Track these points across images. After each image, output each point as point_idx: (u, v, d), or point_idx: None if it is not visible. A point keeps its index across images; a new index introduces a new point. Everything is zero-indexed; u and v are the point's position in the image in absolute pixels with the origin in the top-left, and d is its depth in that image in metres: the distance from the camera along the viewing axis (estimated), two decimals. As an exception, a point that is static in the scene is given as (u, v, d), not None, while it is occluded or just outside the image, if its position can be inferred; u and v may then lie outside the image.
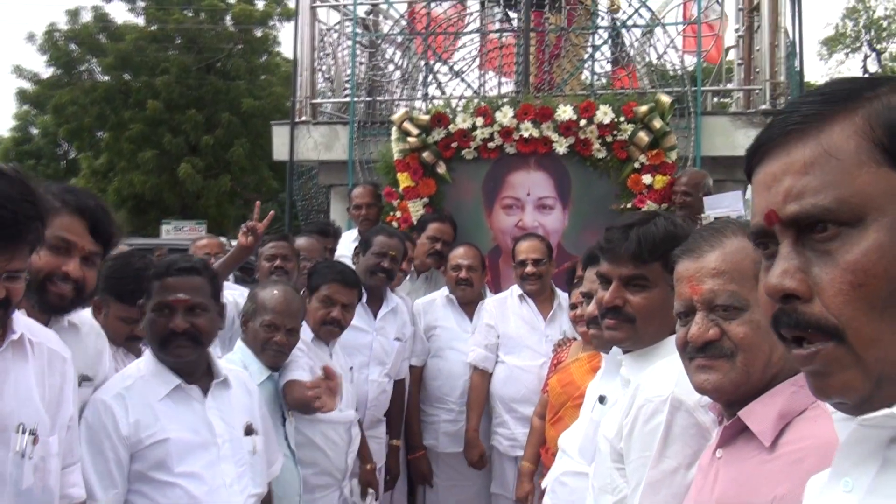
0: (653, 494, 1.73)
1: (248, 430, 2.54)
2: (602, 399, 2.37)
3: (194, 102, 19.46)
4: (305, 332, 3.36)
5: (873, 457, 0.88)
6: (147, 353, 2.50)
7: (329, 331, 3.47)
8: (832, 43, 29.51)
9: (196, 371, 2.49)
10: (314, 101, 6.66)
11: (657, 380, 1.80)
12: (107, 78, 20.11)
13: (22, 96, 21.41)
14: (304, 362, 3.26)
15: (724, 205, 4.18)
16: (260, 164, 20.46)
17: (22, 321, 1.91)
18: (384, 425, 4.14)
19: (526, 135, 5.07)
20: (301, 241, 4.38)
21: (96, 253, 2.13)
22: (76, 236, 2.07)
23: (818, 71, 29.92)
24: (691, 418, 1.70)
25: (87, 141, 20.82)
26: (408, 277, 4.63)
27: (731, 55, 7.10)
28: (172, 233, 17.15)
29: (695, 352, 1.50)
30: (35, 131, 23.58)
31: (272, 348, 3.04)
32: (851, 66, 28.56)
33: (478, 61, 6.68)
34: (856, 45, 29.32)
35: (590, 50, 6.47)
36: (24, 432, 1.84)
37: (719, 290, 1.49)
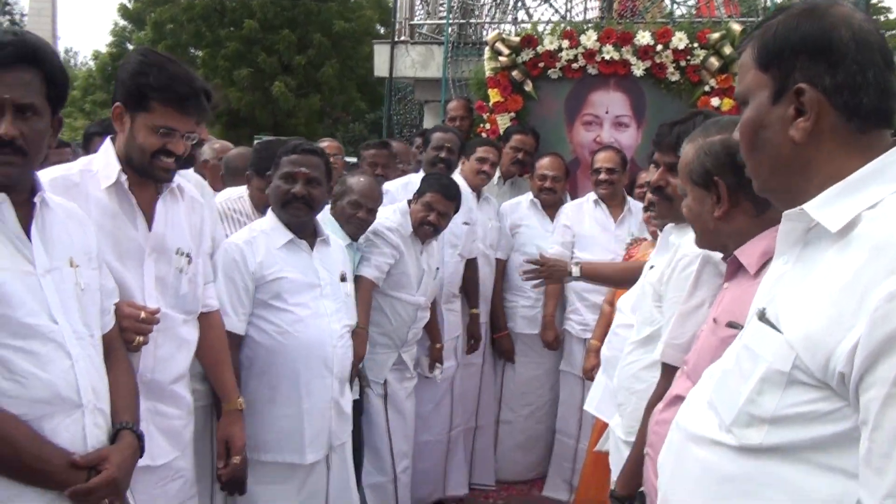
0: (682, 323, 2.28)
1: (343, 278, 3.22)
2: (652, 268, 2.93)
3: (288, 23, 19.82)
4: (406, 227, 4.01)
5: (798, 240, 1.35)
6: (269, 214, 3.15)
7: (424, 231, 4.05)
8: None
9: (305, 230, 3.13)
10: (412, 22, 7.24)
11: (693, 242, 2.35)
12: (204, -4, 20.78)
13: (123, 12, 22.23)
14: (387, 251, 3.90)
15: None
16: (348, 85, 20.89)
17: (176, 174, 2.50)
18: (459, 300, 4.74)
19: (607, 57, 5.54)
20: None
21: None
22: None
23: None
24: (716, 269, 2.24)
25: (183, 58, 21.40)
26: (495, 182, 5.19)
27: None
28: (265, 148, 17.85)
29: None
30: (131, 48, 24.16)
31: (355, 222, 3.72)
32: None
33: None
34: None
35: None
36: (181, 254, 2.46)
37: None
